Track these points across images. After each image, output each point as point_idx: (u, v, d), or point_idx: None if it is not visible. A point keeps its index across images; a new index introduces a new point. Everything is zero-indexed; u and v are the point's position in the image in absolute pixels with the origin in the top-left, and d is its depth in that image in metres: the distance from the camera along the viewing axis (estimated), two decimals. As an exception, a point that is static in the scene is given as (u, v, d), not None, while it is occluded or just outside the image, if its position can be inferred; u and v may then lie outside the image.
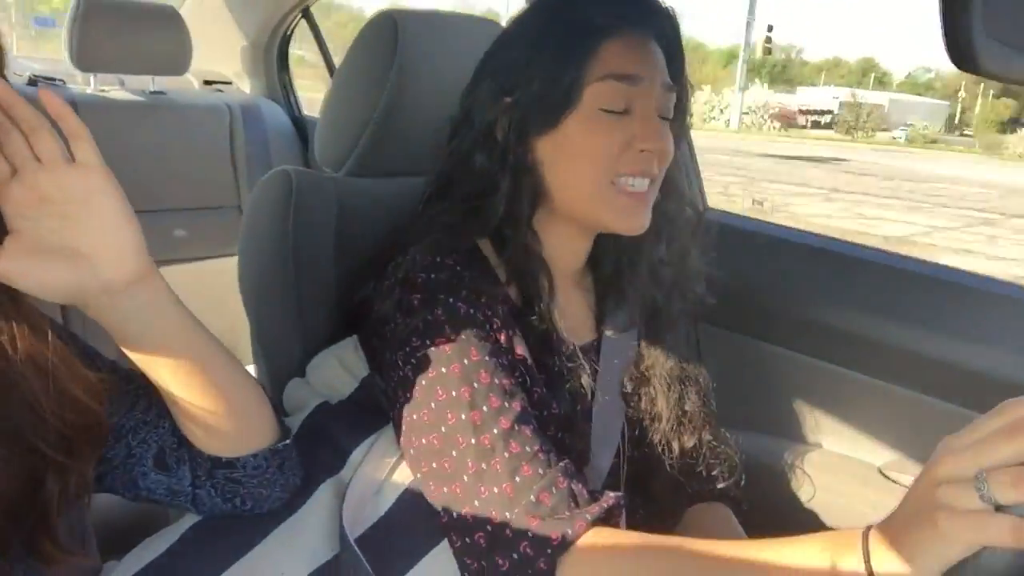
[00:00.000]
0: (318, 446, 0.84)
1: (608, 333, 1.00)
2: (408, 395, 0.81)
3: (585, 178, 0.88)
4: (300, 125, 2.45)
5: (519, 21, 0.94)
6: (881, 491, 1.14)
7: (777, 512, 1.12)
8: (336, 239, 1.02)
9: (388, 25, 1.01)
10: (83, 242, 0.57)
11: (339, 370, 0.92)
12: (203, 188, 2.18)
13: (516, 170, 0.89)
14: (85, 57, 2.01)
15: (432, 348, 0.80)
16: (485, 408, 0.78)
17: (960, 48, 0.43)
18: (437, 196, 0.95)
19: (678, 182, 0.98)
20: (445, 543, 0.80)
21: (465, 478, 0.77)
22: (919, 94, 66.43)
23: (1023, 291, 1.12)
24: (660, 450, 1.01)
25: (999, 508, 0.52)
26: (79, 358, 0.65)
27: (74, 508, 0.68)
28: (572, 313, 0.96)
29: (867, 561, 0.58)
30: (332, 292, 1.01)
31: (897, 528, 0.58)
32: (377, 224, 1.07)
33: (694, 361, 1.05)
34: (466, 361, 0.80)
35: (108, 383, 0.65)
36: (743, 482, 1.05)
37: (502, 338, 0.85)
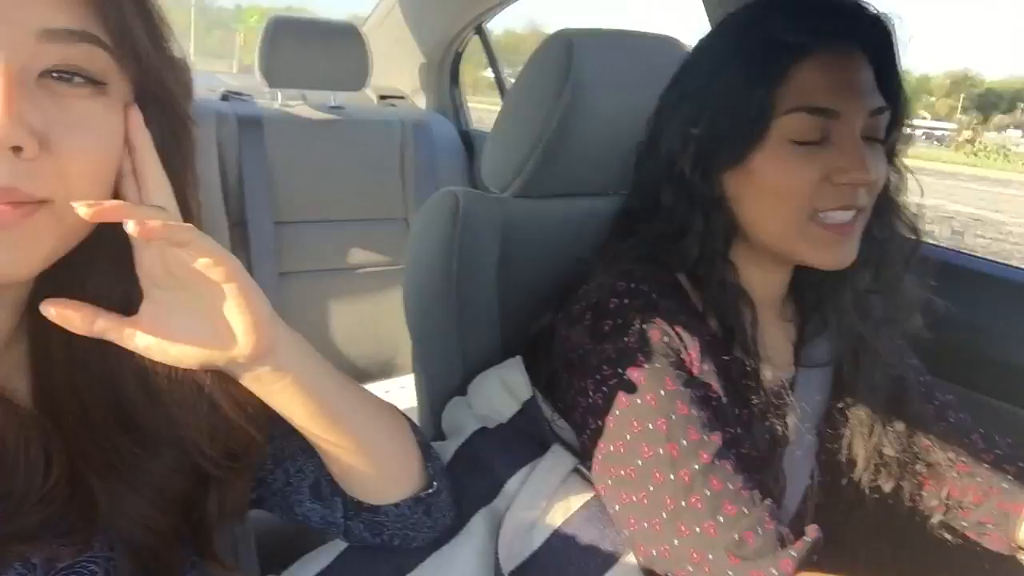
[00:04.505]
0: (473, 474, 0.83)
1: (806, 367, 0.93)
2: (600, 424, 0.78)
3: (778, 215, 0.81)
4: (467, 139, 2.49)
5: (705, 43, 0.88)
6: None
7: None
8: (500, 260, 1.01)
9: (563, 45, 0.99)
10: (210, 317, 0.56)
11: (501, 391, 0.91)
12: (374, 201, 2.25)
13: (706, 208, 0.83)
14: (273, 74, 2.12)
15: (625, 377, 0.77)
16: (683, 441, 0.74)
17: None
18: (624, 230, 0.91)
19: (890, 202, 0.88)
20: None
21: (663, 515, 0.73)
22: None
23: None
24: (853, 495, 0.94)
25: None
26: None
27: (233, 521, 0.70)
28: (772, 345, 0.89)
29: None
30: (495, 312, 1.00)
31: None
32: (540, 245, 1.06)
33: (904, 402, 0.94)
34: (662, 391, 0.76)
35: (268, 409, 0.66)
36: None
37: (696, 370, 0.80)
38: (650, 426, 0.75)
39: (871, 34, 0.82)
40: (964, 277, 1.19)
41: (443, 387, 0.99)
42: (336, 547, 0.80)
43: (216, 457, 0.64)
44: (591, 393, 0.79)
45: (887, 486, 0.94)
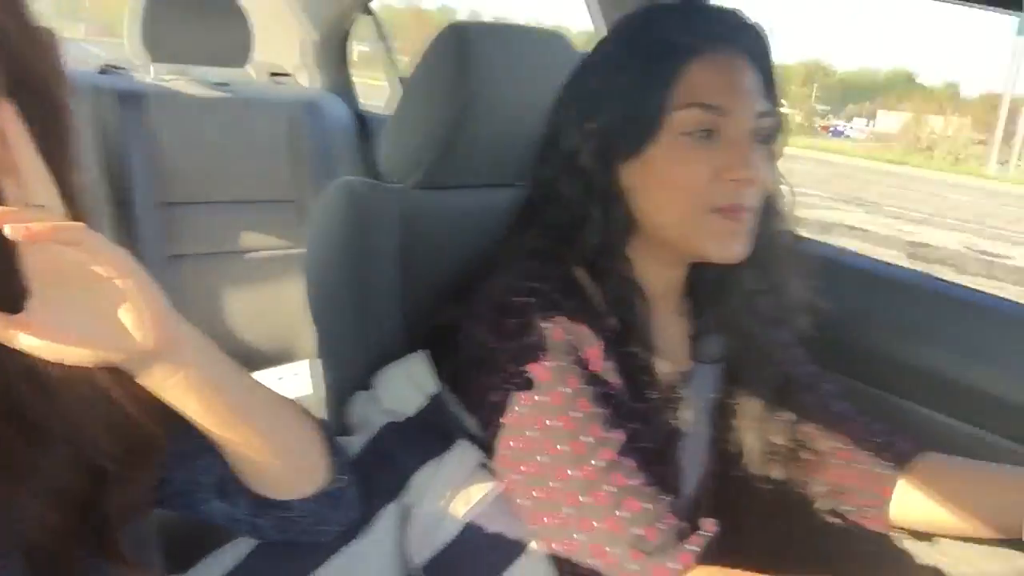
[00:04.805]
0: (381, 469, 0.84)
1: (700, 362, 0.97)
2: (505, 421, 0.79)
3: (675, 207, 0.84)
4: (361, 119, 2.45)
5: (603, 43, 0.91)
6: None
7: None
8: (401, 252, 1.02)
9: (459, 37, 1.00)
10: (103, 314, 0.55)
11: (407, 385, 0.91)
12: (263, 182, 2.19)
13: (604, 199, 0.86)
14: (149, 46, 2.03)
15: (528, 375, 0.78)
16: (586, 438, 0.76)
17: None
18: (524, 223, 0.93)
19: (775, 206, 0.92)
20: (512, 569, 0.79)
21: (566, 510, 0.75)
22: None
23: None
24: (745, 483, 0.99)
25: None
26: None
27: (135, 520, 0.69)
28: (668, 340, 0.93)
29: None
30: (397, 305, 1.01)
31: None
32: (442, 237, 1.07)
33: (791, 394, 0.99)
34: (565, 389, 0.78)
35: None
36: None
37: (598, 367, 0.82)
38: (552, 423, 0.77)
39: (753, 41, 0.87)
40: (844, 273, 1.26)
41: (347, 380, 0.99)
42: (243, 544, 0.79)
43: (115, 453, 0.63)
44: (496, 390, 0.80)
45: (776, 474, 0.99)
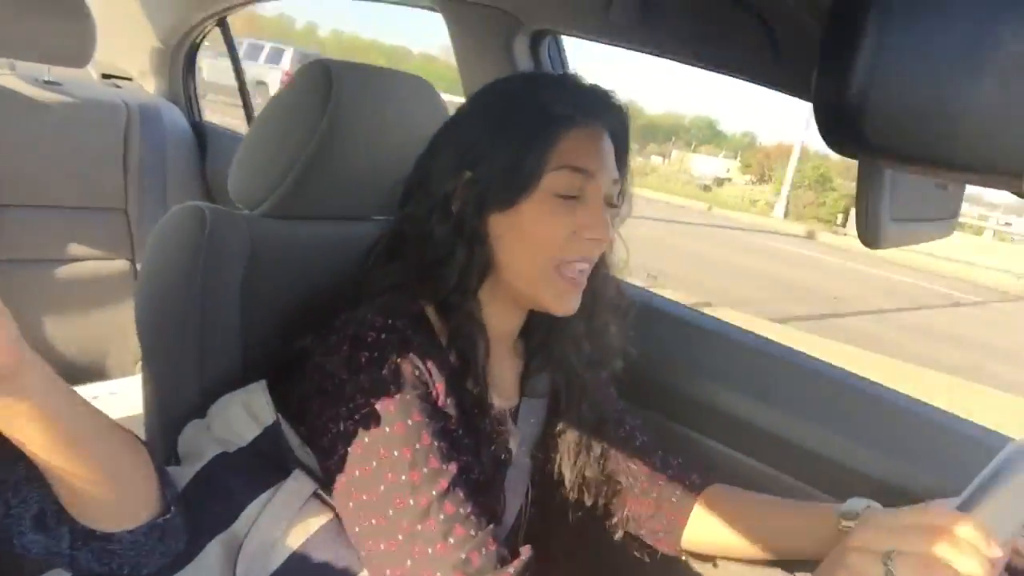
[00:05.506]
0: (212, 499, 0.83)
1: (528, 398, 1.05)
2: (348, 450, 0.82)
3: (532, 259, 0.92)
4: (199, 131, 2.38)
5: (482, 100, 0.99)
6: None
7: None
8: (244, 280, 1.01)
9: (322, 73, 1.02)
10: None
11: (243, 415, 0.91)
12: (91, 187, 2.08)
13: (471, 242, 0.92)
14: None
15: (377, 407, 0.82)
16: (425, 469, 0.81)
17: (870, 233, 0.50)
18: (387, 255, 0.97)
19: (607, 261, 1.03)
20: None
21: (400, 537, 0.79)
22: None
23: (903, 398, 1.18)
24: (560, 510, 1.08)
25: None
26: None
27: None
28: (502, 378, 1.01)
29: None
30: (237, 334, 1.00)
31: None
32: (288, 267, 1.07)
33: (603, 431, 1.10)
34: (409, 421, 0.82)
35: None
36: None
37: (441, 402, 0.88)
38: (396, 454, 0.81)
39: (616, 119, 0.98)
40: (654, 316, 1.38)
41: (177, 408, 0.97)
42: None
43: None
44: (343, 421, 0.83)
45: (588, 502, 1.10)
